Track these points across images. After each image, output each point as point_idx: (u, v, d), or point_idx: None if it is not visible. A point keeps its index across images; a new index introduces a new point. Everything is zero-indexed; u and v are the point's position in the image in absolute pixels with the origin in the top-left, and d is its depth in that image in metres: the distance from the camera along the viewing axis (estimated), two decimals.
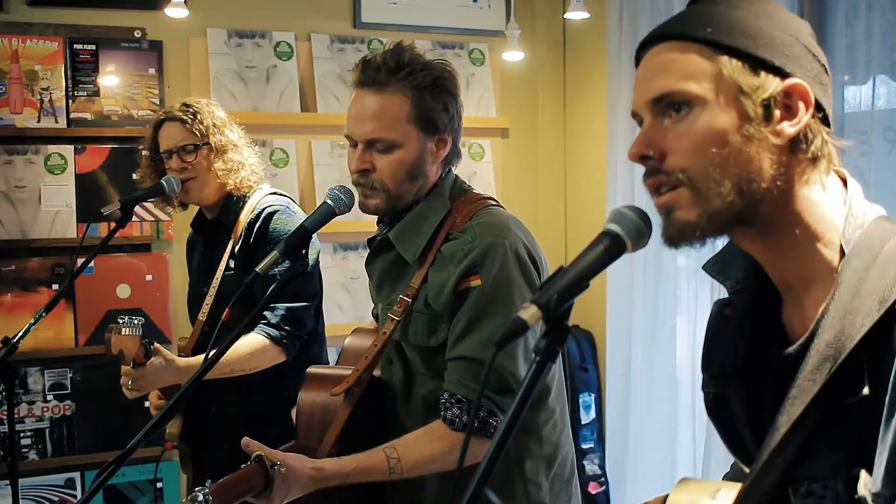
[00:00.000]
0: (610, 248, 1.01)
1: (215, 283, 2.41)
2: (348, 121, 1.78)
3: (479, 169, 3.94)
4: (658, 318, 3.52)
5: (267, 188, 2.51)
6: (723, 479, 1.23)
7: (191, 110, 2.41)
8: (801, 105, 0.98)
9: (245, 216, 2.41)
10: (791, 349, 0.99)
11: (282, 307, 2.30)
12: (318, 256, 2.45)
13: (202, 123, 2.39)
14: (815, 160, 0.99)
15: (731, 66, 0.98)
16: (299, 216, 2.38)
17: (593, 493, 3.84)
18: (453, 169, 1.86)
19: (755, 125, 0.97)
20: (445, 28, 3.91)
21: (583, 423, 3.85)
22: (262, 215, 2.37)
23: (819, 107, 1.00)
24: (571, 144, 4.14)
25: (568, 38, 4.13)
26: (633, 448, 3.66)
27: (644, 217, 1.01)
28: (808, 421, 0.92)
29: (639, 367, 3.61)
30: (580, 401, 3.86)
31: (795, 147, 0.98)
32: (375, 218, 1.93)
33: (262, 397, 2.37)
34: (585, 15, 3.47)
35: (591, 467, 3.86)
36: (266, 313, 2.29)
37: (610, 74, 3.71)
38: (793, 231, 1.00)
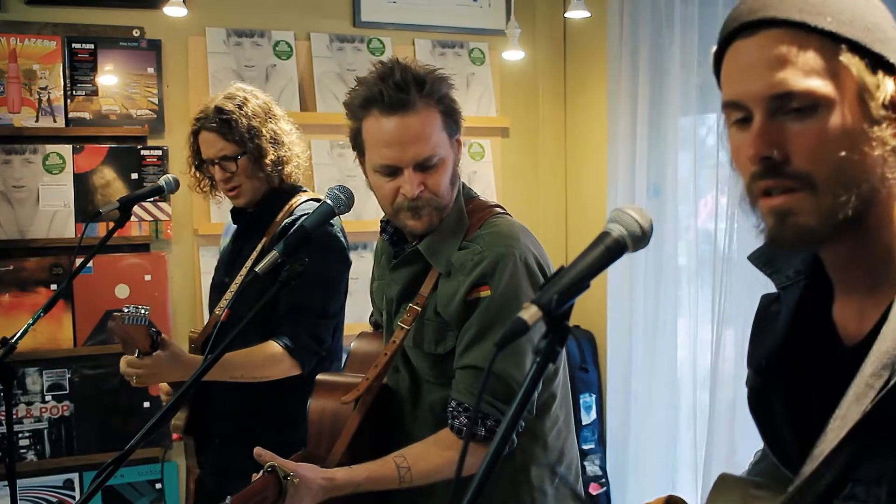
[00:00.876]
0: (611, 248, 1.00)
1: (239, 279, 2.36)
2: (386, 149, 1.71)
3: (479, 169, 3.93)
4: (658, 318, 3.50)
5: (308, 193, 2.47)
6: (749, 468, 1.21)
7: (224, 117, 2.32)
8: None
9: (281, 218, 2.36)
10: (850, 345, 0.97)
11: (306, 321, 2.25)
12: (347, 273, 2.40)
13: (237, 131, 2.32)
14: None
15: (855, 63, 0.93)
16: (336, 227, 2.33)
17: (594, 493, 3.83)
18: None
19: (881, 128, 0.94)
20: (445, 27, 3.91)
21: (583, 423, 3.85)
22: (299, 222, 2.33)
23: None
24: (571, 144, 4.13)
25: (568, 37, 4.12)
26: (633, 449, 3.65)
27: (644, 217, 1.00)
28: (863, 427, 0.89)
29: (639, 367, 3.60)
30: (581, 401, 3.85)
31: None
32: (377, 218, 1.92)
33: (261, 401, 2.33)
34: (586, 14, 3.46)
35: (591, 468, 3.85)
36: (289, 324, 2.24)
37: (610, 74, 3.70)
38: (882, 234, 0.97)
